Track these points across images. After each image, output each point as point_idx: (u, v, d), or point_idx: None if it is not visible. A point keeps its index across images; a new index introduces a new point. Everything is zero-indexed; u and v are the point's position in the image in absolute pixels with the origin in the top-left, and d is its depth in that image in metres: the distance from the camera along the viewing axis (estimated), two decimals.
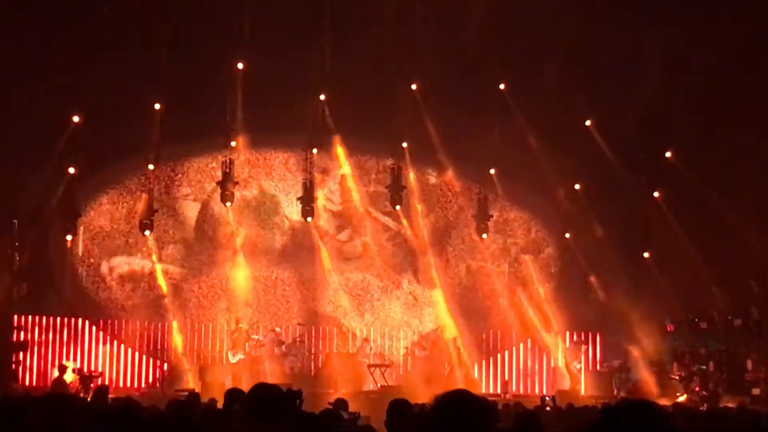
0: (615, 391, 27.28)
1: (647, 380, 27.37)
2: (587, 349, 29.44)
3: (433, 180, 31.46)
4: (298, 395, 7.16)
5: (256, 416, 6.39)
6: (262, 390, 6.99)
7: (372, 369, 28.12)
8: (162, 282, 29.58)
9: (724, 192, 26.13)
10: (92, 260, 29.75)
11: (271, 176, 31.00)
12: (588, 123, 29.13)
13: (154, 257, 29.68)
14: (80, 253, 29.48)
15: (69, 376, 26.37)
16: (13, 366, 26.86)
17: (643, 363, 28.00)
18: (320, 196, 30.31)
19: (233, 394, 8.71)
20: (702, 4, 25.29)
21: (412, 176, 30.55)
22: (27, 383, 27.18)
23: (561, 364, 29.70)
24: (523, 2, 27.73)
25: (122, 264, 29.89)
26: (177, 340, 29.42)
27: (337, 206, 31.17)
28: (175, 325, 29.54)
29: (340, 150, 30.35)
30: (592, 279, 29.68)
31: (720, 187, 26.26)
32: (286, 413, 6.64)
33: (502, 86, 29.08)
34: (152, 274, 29.68)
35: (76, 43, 26.06)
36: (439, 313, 30.74)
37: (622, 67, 27.71)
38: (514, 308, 30.85)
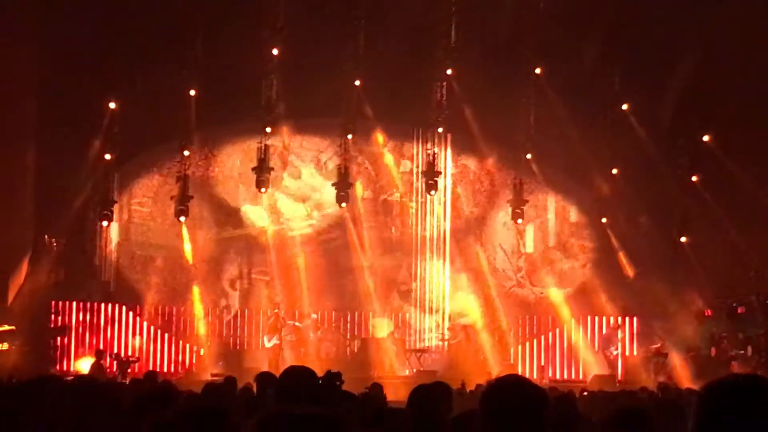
0: (652, 376, 27.12)
1: (685, 365, 27.23)
2: (624, 335, 29.27)
3: (468, 165, 31.38)
4: (338, 377, 7.15)
5: (287, 398, 6.36)
6: (294, 372, 6.99)
7: (408, 354, 28.13)
8: (195, 269, 29.66)
9: (762, 176, 25.93)
10: (128, 246, 29.88)
11: (306, 161, 31.01)
12: (625, 107, 28.97)
13: (188, 243, 29.73)
14: (116, 239, 29.62)
15: (106, 361, 26.56)
16: (52, 351, 27.03)
17: (680, 348, 27.87)
18: (356, 183, 30.28)
19: (264, 378, 8.70)
20: None
21: (448, 162, 30.53)
22: (65, 368, 27.34)
23: (597, 349, 29.58)
24: None
25: (158, 249, 30.01)
26: (213, 325, 29.51)
27: (372, 193, 31.14)
28: (210, 310, 29.66)
29: (380, 138, 30.37)
30: (627, 262, 29.50)
31: (758, 171, 26.06)
32: (320, 393, 6.62)
33: (538, 71, 28.96)
34: (186, 260, 29.76)
35: (111, 30, 26.15)
36: (474, 298, 30.70)
37: (658, 51, 27.52)
38: (551, 293, 30.84)
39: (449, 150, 30.76)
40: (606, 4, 27.55)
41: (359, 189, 30.72)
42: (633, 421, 6.28)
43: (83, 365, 26.85)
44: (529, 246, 31.60)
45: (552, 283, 31.21)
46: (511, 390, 4.79)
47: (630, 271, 29.39)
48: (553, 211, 31.69)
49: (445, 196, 30.95)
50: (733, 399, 3.83)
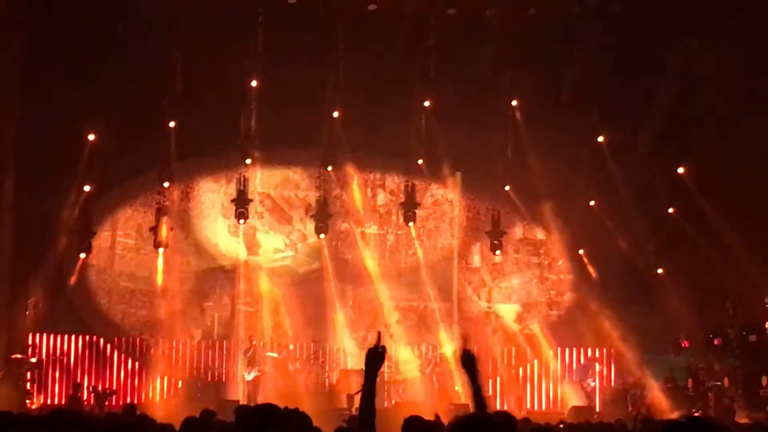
0: (630, 408, 27.17)
1: (662, 397, 27.29)
2: (601, 367, 29.34)
3: (446, 196, 31.47)
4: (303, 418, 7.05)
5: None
6: (262, 409, 6.96)
7: (387, 386, 28.10)
8: (174, 301, 29.61)
9: (737, 208, 26.07)
10: (107, 278, 29.81)
11: (285, 192, 31.04)
12: (601, 139, 29.15)
13: (165, 275, 29.65)
14: (94, 271, 29.55)
15: (84, 394, 26.46)
16: (28, 385, 26.87)
17: (657, 379, 27.94)
18: (334, 214, 30.33)
19: (243, 412, 8.71)
20: (716, 19, 25.27)
21: (426, 192, 30.67)
22: (42, 401, 27.20)
23: (574, 380, 29.64)
24: (536, 18, 27.82)
25: (137, 281, 29.94)
26: (191, 357, 29.44)
27: (350, 224, 31.19)
28: (189, 342, 29.60)
29: (351, 171, 30.48)
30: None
31: (733, 203, 26.21)
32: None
33: (514, 103, 29.14)
34: (165, 292, 29.70)
35: (90, 62, 26.17)
36: (452, 329, 30.74)
37: (635, 83, 27.74)
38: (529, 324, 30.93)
39: (426, 181, 30.80)
40: (583, 36, 27.76)
41: (340, 219, 30.76)
42: None
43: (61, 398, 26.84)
44: (507, 277, 31.64)
45: (528, 314, 31.27)
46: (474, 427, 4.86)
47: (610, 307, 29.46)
48: (529, 242, 31.75)
49: (424, 227, 31.02)
50: None
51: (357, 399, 26.84)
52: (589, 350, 29.82)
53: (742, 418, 23.45)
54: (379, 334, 6.51)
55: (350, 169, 30.51)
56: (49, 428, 6.15)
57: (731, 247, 26.14)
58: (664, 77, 27.77)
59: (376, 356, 6.43)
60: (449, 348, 30.19)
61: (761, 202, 25.45)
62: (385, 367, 28.50)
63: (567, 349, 30.41)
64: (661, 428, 4.16)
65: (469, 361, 6.69)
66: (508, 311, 31.38)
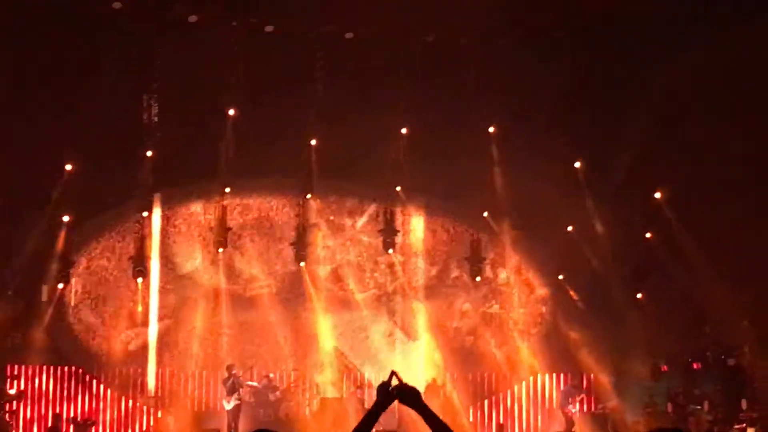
0: None
1: (642, 422, 27.34)
2: (581, 393, 29.37)
3: (425, 224, 31.53)
4: None
5: None
6: None
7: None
8: (154, 330, 29.56)
9: (714, 233, 26.18)
10: (85, 308, 29.70)
11: (265, 221, 31.05)
12: (578, 165, 29.26)
13: (147, 303, 29.64)
14: (73, 302, 29.46)
15: (63, 425, 26.35)
16: (8, 417, 26.73)
17: (637, 404, 28.00)
18: (315, 242, 30.36)
19: None
20: (690, 46, 25.45)
21: (408, 220, 30.76)
22: None
23: (556, 406, 29.68)
24: (512, 46, 27.95)
25: (115, 311, 29.84)
26: (171, 387, 29.35)
27: (332, 251, 31.22)
28: (168, 372, 29.51)
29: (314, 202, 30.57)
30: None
31: (710, 227, 26.33)
32: None
33: (491, 129, 29.25)
34: (144, 321, 29.64)
35: (67, 93, 26.13)
36: (430, 358, 30.78)
37: (611, 109, 27.87)
38: (508, 350, 30.95)
39: (405, 208, 30.86)
40: (559, 63, 27.91)
41: (319, 247, 30.79)
42: None
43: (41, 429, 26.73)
44: (486, 304, 31.69)
45: (508, 340, 31.33)
46: None
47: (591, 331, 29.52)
48: (508, 268, 31.83)
49: (403, 254, 31.07)
50: None
51: (335, 427, 26.84)
52: (570, 376, 29.84)
53: None
54: (394, 374, 6.10)
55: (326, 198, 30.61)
56: None
57: (709, 272, 26.25)
58: (640, 103, 27.92)
59: (386, 395, 6.05)
60: (429, 375, 30.21)
61: (737, 227, 25.57)
62: (366, 395, 28.59)
63: (547, 375, 30.46)
64: None
65: (408, 396, 6.17)
66: (492, 338, 31.44)
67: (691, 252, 27.09)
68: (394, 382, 6.02)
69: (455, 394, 29.69)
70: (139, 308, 29.49)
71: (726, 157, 25.28)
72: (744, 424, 25.53)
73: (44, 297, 28.28)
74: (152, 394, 29.19)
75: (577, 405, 28.87)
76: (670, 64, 25.88)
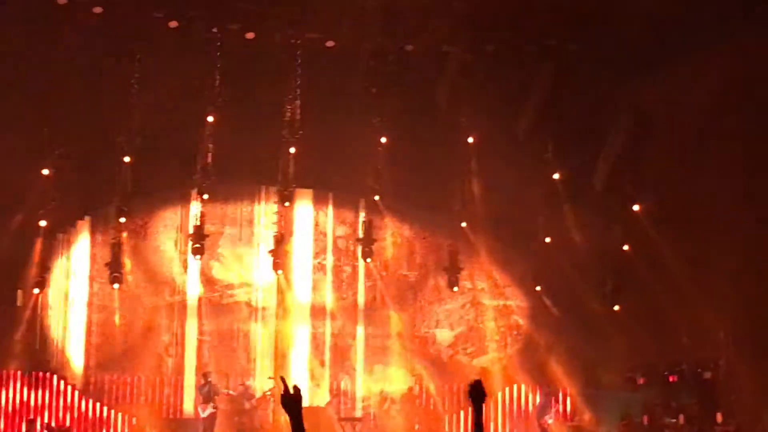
0: None
1: None
2: (557, 405, 29.36)
3: (403, 232, 31.51)
4: None
5: None
6: None
7: (343, 423, 28.01)
8: (129, 336, 29.42)
9: (692, 245, 26.22)
10: (60, 314, 29.55)
11: (243, 229, 30.97)
12: (557, 176, 29.28)
13: (123, 310, 29.52)
14: (48, 307, 29.28)
15: None
16: None
17: (613, 416, 27.99)
18: (291, 250, 30.29)
19: None
20: (670, 58, 25.51)
21: (386, 229, 30.74)
22: None
23: (532, 417, 29.65)
24: (492, 56, 27.98)
25: (91, 317, 29.70)
26: (146, 394, 29.22)
27: (308, 260, 31.17)
28: (143, 378, 29.37)
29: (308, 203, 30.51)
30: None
31: (688, 240, 26.37)
32: None
33: (470, 139, 29.25)
34: (121, 327, 29.51)
35: (45, 95, 26.00)
36: (407, 367, 30.76)
37: (591, 120, 27.91)
38: (485, 361, 30.96)
39: (383, 217, 30.83)
40: (539, 74, 27.96)
41: (297, 254, 30.73)
42: None
43: None
44: (463, 314, 31.68)
45: (485, 351, 31.33)
46: None
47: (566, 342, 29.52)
48: (486, 278, 31.81)
49: (380, 262, 31.04)
50: None
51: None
52: (546, 387, 29.81)
53: None
54: (282, 379, 6.40)
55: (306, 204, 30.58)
56: None
57: (686, 284, 26.29)
58: (619, 115, 28.00)
59: (291, 400, 6.28)
60: (406, 385, 30.18)
61: (715, 240, 25.62)
62: (341, 404, 28.50)
63: (524, 386, 30.44)
64: None
65: (477, 394, 6.75)
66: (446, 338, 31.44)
67: (669, 264, 27.12)
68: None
69: (432, 404, 29.62)
70: (116, 315, 29.36)
71: (706, 169, 25.36)
72: None
73: (19, 302, 28.12)
74: (126, 401, 29.05)
75: (552, 417, 28.85)
76: (648, 76, 25.95)
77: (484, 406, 6.59)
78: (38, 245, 27.91)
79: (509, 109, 28.08)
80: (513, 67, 27.81)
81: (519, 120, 28.42)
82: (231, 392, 28.46)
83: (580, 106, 27.74)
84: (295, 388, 6.11)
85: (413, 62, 28.23)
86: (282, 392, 6.14)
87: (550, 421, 28.72)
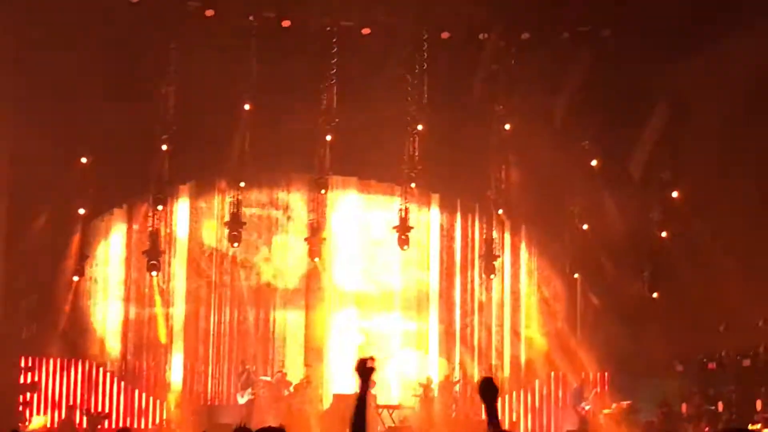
0: None
1: (657, 422, 27.23)
2: (596, 391, 29.28)
3: (441, 221, 31.48)
4: None
5: None
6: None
7: (380, 410, 28.05)
8: (162, 324, 29.56)
9: (731, 232, 26.07)
10: (99, 301, 29.74)
11: (279, 216, 31.04)
12: (594, 163, 29.15)
13: (157, 299, 29.67)
14: (87, 294, 29.47)
15: (77, 417, 26.42)
16: (21, 407, 26.78)
17: (652, 404, 27.89)
18: (328, 237, 30.31)
19: None
20: (706, 41, 25.32)
21: (423, 217, 30.73)
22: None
23: (569, 404, 29.59)
24: (528, 43, 27.91)
25: (129, 305, 29.86)
26: (184, 381, 29.38)
27: (345, 247, 31.20)
28: (181, 366, 29.52)
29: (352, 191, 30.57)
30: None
31: (727, 226, 26.21)
32: None
33: (507, 127, 29.16)
34: (158, 315, 29.66)
35: (81, 84, 26.12)
36: (443, 354, 30.79)
37: (628, 107, 27.76)
38: (522, 348, 30.99)
39: (420, 205, 30.79)
40: (576, 60, 27.84)
41: (334, 242, 30.74)
42: None
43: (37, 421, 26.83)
44: (500, 302, 31.63)
45: (522, 338, 31.30)
46: None
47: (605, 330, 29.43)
48: (525, 265, 31.74)
49: (418, 251, 31.01)
50: None
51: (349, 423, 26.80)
52: (583, 374, 29.76)
53: None
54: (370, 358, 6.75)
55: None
56: None
57: (725, 271, 26.13)
58: (657, 101, 27.83)
59: (364, 368, 6.67)
60: (444, 373, 30.20)
61: (755, 225, 25.46)
62: (379, 392, 28.53)
63: (561, 373, 30.39)
64: None
65: (487, 390, 6.86)
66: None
67: (707, 251, 26.98)
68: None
69: (469, 391, 29.62)
70: (158, 302, 29.52)
71: (746, 154, 25.19)
72: (759, 425, 25.41)
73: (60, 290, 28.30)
74: (165, 388, 29.23)
75: (591, 404, 28.76)
76: (684, 61, 25.78)
77: (497, 401, 6.75)
78: (76, 233, 28.07)
79: (545, 96, 27.96)
80: (548, 55, 27.69)
81: (555, 107, 28.30)
82: (269, 379, 28.55)
83: (616, 92, 27.60)
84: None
85: (449, 50, 28.17)
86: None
87: (587, 408, 28.63)
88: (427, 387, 29.67)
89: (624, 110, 27.78)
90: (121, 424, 27.44)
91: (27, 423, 26.77)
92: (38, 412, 27.84)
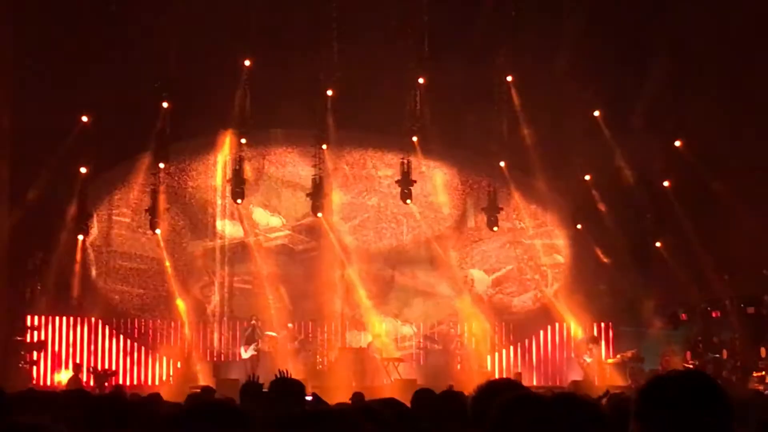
0: (629, 381, 27.24)
1: (664, 369, 27.31)
2: (599, 342, 29.35)
3: (443, 173, 31.44)
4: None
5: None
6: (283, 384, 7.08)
7: (385, 363, 28.16)
8: (172, 281, 29.64)
9: (735, 180, 26.05)
10: (103, 260, 29.79)
11: (281, 171, 31.03)
12: (597, 114, 29.08)
13: (165, 255, 29.73)
14: (91, 253, 29.52)
15: (83, 375, 26.55)
16: (27, 366, 26.89)
17: (655, 352, 27.98)
18: (331, 193, 30.29)
19: (249, 388, 8.69)
20: None
21: (425, 170, 30.69)
22: (41, 383, 27.21)
23: (573, 356, 29.70)
24: None
25: (133, 263, 29.94)
26: (188, 336, 29.49)
27: (349, 199, 31.19)
28: (186, 322, 29.62)
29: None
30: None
31: (731, 175, 26.19)
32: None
33: (509, 78, 29.08)
34: (162, 272, 29.73)
35: (82, 42, 26.05)
36: (449, 307, 30.87)
37: (629, 55, 27.67)
38: (527, 300, 31.08)
39: (422, 158, 30.73)
40: (577, 10, 27.69)
41: (336, 197, 30.72)
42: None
43: (62, 377, 26.96)
44: (503, 254, 31.67)
45: (526, 290, 31.38)
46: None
47: (608, 281, 29.48)
48: (526, 216, 31.74)
49: (420, 203, 31.00)
50: (669, 393, 3.99)
51: (354, 377, 26.97)
52: (586, 325, 29.84)
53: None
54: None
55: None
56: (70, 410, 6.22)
57: (728, 219, 26.14)
58: (658, 49, 27.70)
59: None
60: (447, 325, 30.29)
61: (760, 174, 25.43)
62: (381, 344, 28.59)
63: (565, 324, 30.48)
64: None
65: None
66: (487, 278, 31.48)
67: (711, 199, 26.99)
68: None
69: (473, 344, 29.73)
70: (162, 260, 29.60)
71: (749, 102, 25.12)
72: (763, 372, 25.51)
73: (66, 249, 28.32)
74: (170, 344, 29.36)
75: (594, 356, 28.83)
76: (691, 7, 25.67)
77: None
78: (78, 192, 28.05)
79: (546, 46, 27.82)
80: (549, 5, 27.55)
81: (557, 59, 28.16)
82: (274, 334, 28.64)
83: (617, 41, 27.47)
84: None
85: (449, 1, 28.04)
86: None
87: (588, 360, 28.72)
88: (430, 340, 29.80)
89: (625, 59, 27.68)
90: (128, 383, 27.56)
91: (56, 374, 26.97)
92: (53, 370, 28.05)
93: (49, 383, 27.27)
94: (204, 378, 27.56)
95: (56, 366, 28.18)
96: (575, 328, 30.14)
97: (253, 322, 28.28)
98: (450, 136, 29.69)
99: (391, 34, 27.63)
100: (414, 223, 31.26)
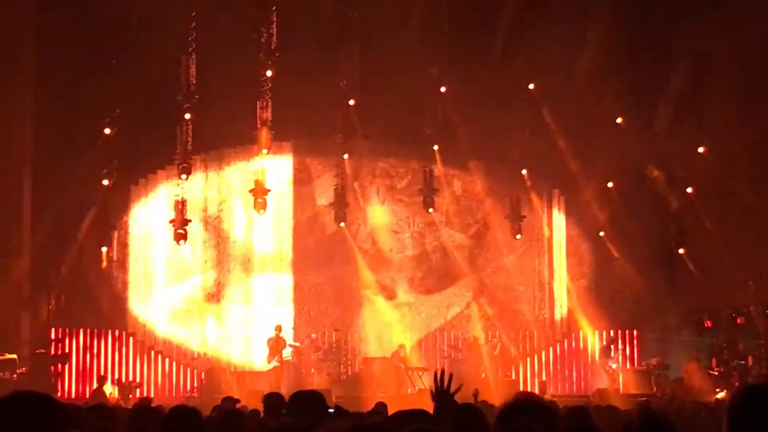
0: (654, 389, 27.14)
1: (689, 377, 27.16)
2: (623, 349, 29.26)
3: (465, 181, 31.40)
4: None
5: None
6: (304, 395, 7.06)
7: (410, 372, 28.11)
8: (191, 292, 29.69)
9: (758, 186, 25.94)
10: (127, 271, 29.83)
11: (305, 182, 31.04)
12: (619, 120, 29.00)
13: (186, 267, 29.77)
14: (115, 264, 29.56)
15: (108, 387, 26.57)
16: (53, 379, 26.92)
17: (680, 360, 27.87)
18: (354, 202, 30.28)
19: (272, 399, 8.69)
20: None
21: (447, 178, 30.66)
22: (66, 395, 27.24)
23: (598, 363, 29.60)
24: (549, 1, 27.72)
25: (157, 274, 29.98)
26: (213, 348, 29.50)
27: (371, 211, 31.18)
28: (211, 333, 29.63)
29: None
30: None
31: (754, 181, 26.08)
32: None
33: (531, 86, 29.04)
34: (186, 283, 29.77)
35: (106, 56, 26.14)
36: (472, 316, 30.81)
37: (652, 62, 27.60)
38: (551, 307, 31.01)
39: (443, 167, 30.67)
40: (599, 18, 27.64)
41: (358, 206, 30.73)
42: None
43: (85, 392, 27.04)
44: (527, 262, 31.61)
45: (550, 297, 31.31)
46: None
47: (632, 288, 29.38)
48: (549, 226, 31.68)
49: (443, 212, 30.98)
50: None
51: (379, 386, 26.93)
52: (611, 331, 29.75)
53: None
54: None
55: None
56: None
57: (751, 225, 26.04)
58: (680, 56, 27.64)
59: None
60: (473, 334, 30.25)
61: None
62: (405, 354, 28.53)
63: (589, 332, 30.39)
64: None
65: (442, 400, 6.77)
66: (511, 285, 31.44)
67: (734, 206, 26.87)
68: None
69: (498, 352, 29.65)
70: (185, 270, 29.63)
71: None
72: None
73: (88, 264, 28.36)
74: (196, 356, 29.37)
75: (618, 362, 28.74)
76: (708, 15, 25.61)
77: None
78: (102, 204, 28.11)
79: (568, 55, 27.78)
80: (570, 13, 27.50)
81: (579, 66, 28.11)
82: (297, 345, 28.64)
83: (640, 49, 27.41)
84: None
85: (470, 9, 28.00)
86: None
87: (614, 366, 28.62)
88: (455, 349, 29.78)
89: (647, 67, 27.61)
90: (152, 394, 27.56)
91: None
92: (69, 384, 28.09)
93: (88, 396, 27.24)
94: (228, 389, 27.52)
95: (80, 379, 28.21)
96: (599, 336, 30.04)
97: (277, 332, 28.28)
98: (471, 145, 29.64)
99: (412, 42, 27.62)
100: (436, 231, 31.22)
